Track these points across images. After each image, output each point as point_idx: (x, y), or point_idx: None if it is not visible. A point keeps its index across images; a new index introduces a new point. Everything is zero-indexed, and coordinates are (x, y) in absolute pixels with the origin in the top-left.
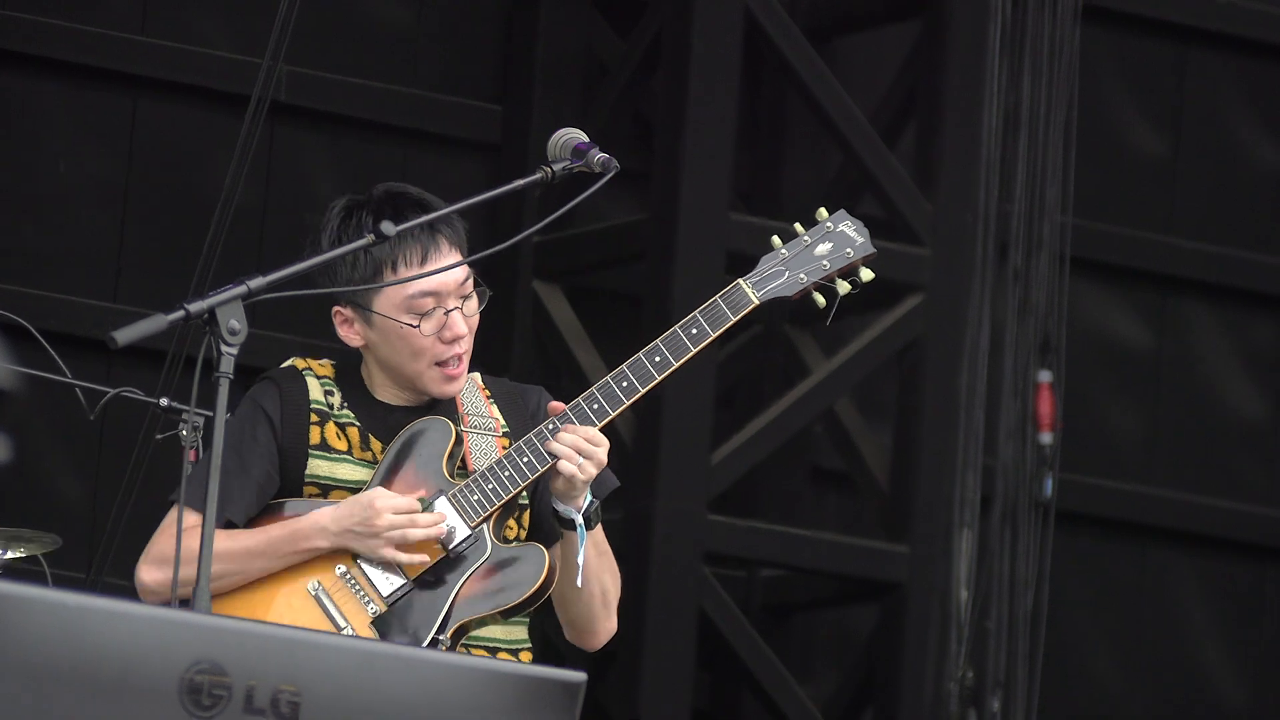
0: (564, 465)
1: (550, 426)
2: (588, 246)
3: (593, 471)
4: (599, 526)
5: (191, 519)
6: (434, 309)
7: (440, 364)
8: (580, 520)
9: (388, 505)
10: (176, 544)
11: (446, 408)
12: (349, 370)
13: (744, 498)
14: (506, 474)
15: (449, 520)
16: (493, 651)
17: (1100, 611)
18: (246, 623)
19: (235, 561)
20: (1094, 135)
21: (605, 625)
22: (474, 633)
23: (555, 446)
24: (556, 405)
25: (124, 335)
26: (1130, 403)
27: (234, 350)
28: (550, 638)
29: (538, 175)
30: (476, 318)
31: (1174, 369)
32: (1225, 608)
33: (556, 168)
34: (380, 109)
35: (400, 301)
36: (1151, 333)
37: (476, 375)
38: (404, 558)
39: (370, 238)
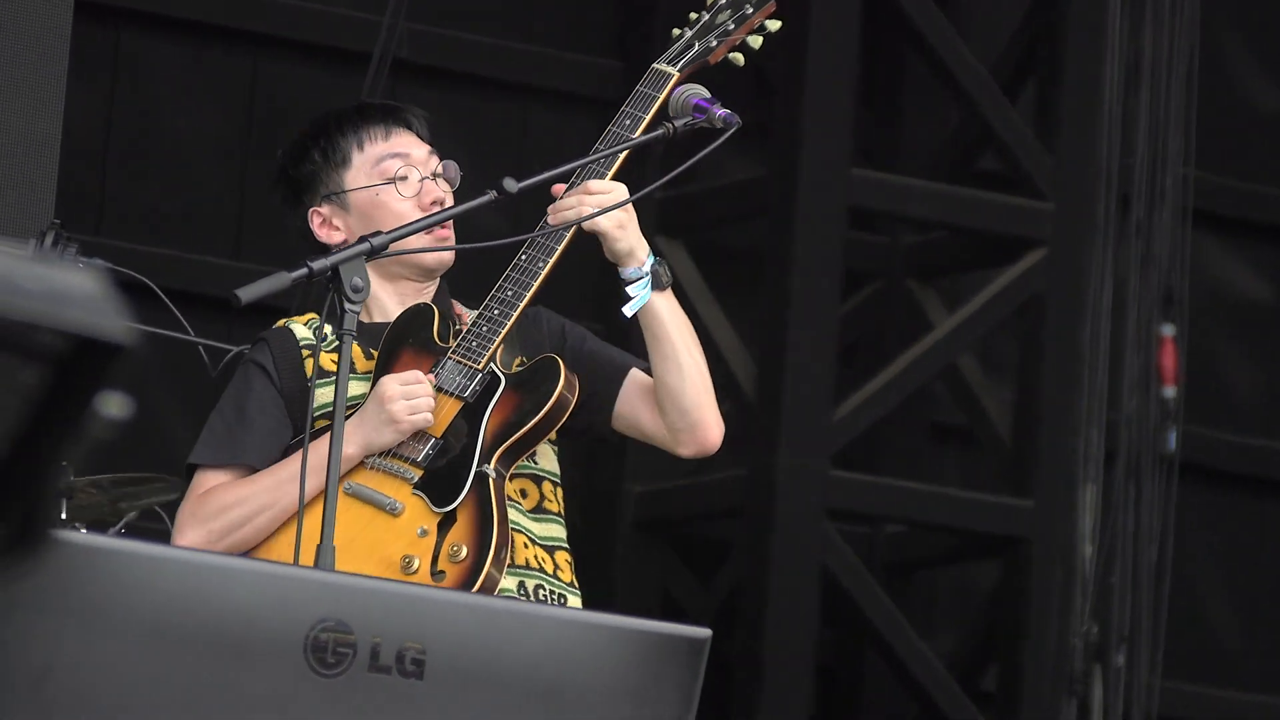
0: (571, 214)
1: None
2: (710, 202)
3: (613, 211)
4: (671, 298)
5: (212, 478)
6: (406, 175)
7: (426, 231)
8: (647, 272)
9: (393, 380)
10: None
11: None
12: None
13: (866, 453)
14: (496, 311)
15: (456, 374)
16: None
17: (1222, 565)
18: (370, 580)
19: (267, 494)
20: (1215, 88)
21: (713, 414)
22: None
23: (560, 216)
24: (559, 188)
25: (247, 293)
26: (1251, 357)
27: (357, 308)
28: (673, 595)
29: (659, 131)
30: (451, 196)
31: None
32: None
33: (678, 124)
34: (499, 65)
35: (370, 170)
36: (1273, 287)
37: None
38: (423, 420)
39: (492, 194)
